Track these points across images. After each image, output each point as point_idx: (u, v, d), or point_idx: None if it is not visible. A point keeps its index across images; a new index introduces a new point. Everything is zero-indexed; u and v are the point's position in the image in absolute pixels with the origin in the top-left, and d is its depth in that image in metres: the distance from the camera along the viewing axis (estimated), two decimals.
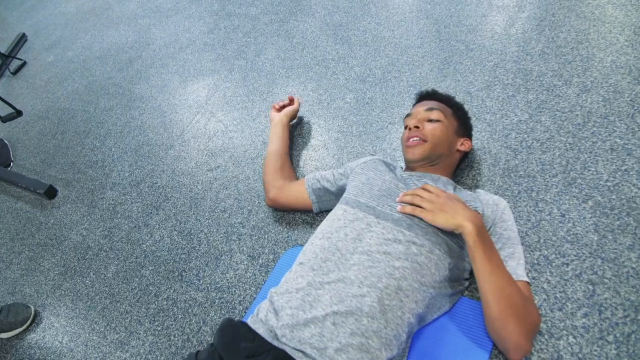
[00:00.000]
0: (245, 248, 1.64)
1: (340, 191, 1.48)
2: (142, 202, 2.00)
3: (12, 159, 2.63)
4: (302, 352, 0.99)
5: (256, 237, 1.66)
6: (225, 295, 1.53)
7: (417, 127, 1.34)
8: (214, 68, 2.55)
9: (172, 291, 1.62)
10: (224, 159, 2.00)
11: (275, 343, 1.03)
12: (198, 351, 1.15)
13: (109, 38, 3.29)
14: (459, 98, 1.82)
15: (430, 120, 1.36)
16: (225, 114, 2.23)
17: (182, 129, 2.27)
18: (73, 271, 1.87)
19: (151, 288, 1.67)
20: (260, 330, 1.08)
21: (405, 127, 1.42)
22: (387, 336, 1.00)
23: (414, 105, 1.51)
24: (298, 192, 1.57)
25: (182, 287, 1.62)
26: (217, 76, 2.48)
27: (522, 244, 1.28)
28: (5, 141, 2.75)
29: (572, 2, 1.94)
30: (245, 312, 1.47)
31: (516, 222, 1.34)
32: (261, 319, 1.10)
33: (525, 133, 1.56)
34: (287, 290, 1.11)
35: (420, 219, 1.14)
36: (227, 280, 1.57)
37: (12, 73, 3.46)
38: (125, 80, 2.79)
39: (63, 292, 1.80)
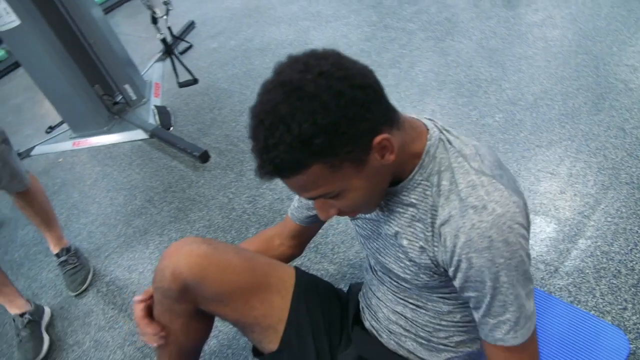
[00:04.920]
0: None
1: None
2: None
3: (172, 124, 3.00)
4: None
5: None
6: (357, 272, 1.65)
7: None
8: None
9: (305, 259, 1.78)
10: None
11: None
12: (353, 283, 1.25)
13: (270, 34, 3.62)
14: (611, 133, 1.81)
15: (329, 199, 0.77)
16: None
17: None
18: (216, 226, 2.10)
19: None
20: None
21: None
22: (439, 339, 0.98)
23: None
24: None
25: (317, 257, 1.77)
26: None
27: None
28: (168, 108, 3.14)
29: None
30: None
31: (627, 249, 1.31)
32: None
33: None
34: (361, 296, 1.16)
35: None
36: (361, 259, 1.69)
37: (179, 53, 3.92)
38: None
39: None
